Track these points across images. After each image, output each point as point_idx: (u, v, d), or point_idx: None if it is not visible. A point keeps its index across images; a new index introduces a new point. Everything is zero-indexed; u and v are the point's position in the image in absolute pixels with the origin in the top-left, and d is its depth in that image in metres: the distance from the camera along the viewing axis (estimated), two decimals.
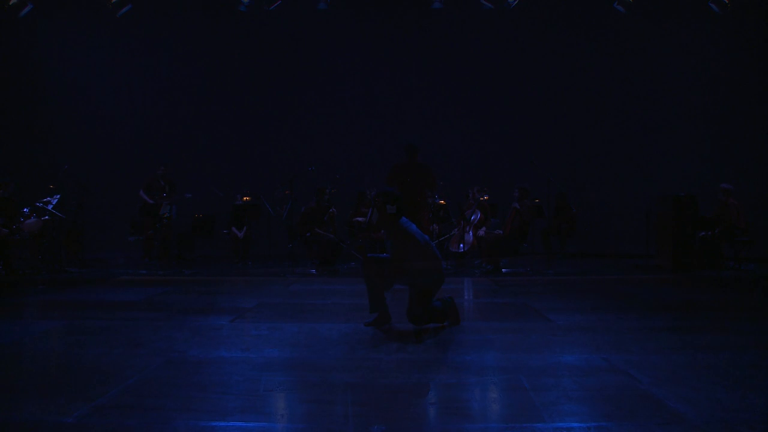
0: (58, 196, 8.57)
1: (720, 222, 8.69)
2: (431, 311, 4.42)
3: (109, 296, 6.28)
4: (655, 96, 11.32)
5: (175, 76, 11.88)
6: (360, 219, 8.96)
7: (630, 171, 11.13)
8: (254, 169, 11.38)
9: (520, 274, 8.12)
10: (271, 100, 11.85)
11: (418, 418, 2.55)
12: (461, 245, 8.83)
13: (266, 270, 8.88)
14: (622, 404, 2.71)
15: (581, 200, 10.81)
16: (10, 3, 10.71)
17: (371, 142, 11.46)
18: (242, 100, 11.90)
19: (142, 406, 2.72)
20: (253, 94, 11.88)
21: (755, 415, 2.60)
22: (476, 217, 8.81)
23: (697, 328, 4.48)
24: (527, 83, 11.59)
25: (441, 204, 9.12)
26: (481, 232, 8.74)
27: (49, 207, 8.39)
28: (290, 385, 3.08)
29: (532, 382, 3.08)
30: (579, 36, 11.43)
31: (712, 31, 11.01)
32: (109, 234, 10.93)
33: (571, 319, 4.78)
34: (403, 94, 11.78)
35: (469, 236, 8.76)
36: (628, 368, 3.24)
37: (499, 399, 2.80)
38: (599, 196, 11.23)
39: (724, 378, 3.12)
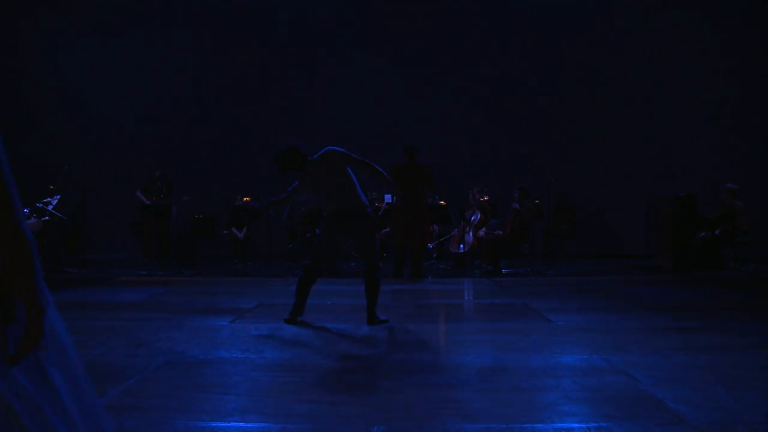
0: (58, 197, 8.57)
1: (723, 222, 8.68)
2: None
3: (109, 296, 6.28)
4: (656, 96, 11.32)
5: (176, 77, 11.88)
6: None
7: (630, 171, 11.13)
8: (254, 169, 11.38)
9: (520, 275, 8.12)
10: (271, 101, 11.85)
11: (418, 418, 2.55)
12: (461, 246, 8.83)
13: (266, 270, 8.88)
14: (622, 404, 2.71)
15: (581, 200, 10.81)
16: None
17: (371, 142, 11.44)
18: (243, 101, 11.91)
19: (142, 406, 2.72)
20: (253, 94, 11.88)
21: (755, 415, 2.60)
22: (476, 217, 8.81)
23: (697, 328, 4.47)
24: (527, 83, 11.59)
25: (441, 204, 9.13)
26: (481, 232, 8.75)
27: (49, 207, 8.39)
28: (290, 386, 3.08)
29: (532, 382, 3.08)
30: (579, 35, 11.43)
31: (712, 29, 11.01)
32: (109, 234, 10.93)
33: (571, 320, 4.78)
34: (404, 94, 11.78)
35: (469, 237, 8.76)
36: (628, 368, 3.24)
37: (499, 399, 2.80)
38: (599, 196, 11.23)
39: (724, 378, 3.11)
